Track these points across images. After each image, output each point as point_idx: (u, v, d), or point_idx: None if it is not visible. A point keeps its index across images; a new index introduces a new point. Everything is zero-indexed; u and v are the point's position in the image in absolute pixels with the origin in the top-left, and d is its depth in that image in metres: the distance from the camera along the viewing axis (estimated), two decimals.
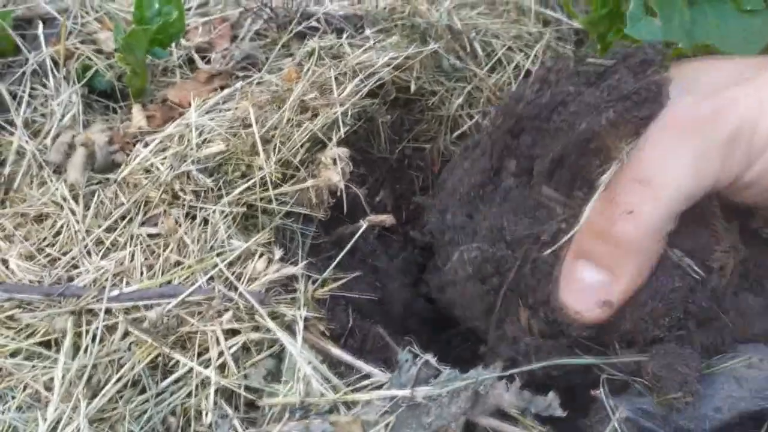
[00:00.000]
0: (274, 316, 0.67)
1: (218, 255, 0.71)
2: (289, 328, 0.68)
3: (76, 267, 0.73)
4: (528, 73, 0.96)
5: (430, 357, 0.63)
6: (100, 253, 0.74)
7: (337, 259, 0.71)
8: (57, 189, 0.80)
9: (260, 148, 0.75)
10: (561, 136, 0.63)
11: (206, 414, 0.63)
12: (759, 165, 0.57)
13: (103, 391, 0.64)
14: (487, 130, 0.71)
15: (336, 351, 0.68)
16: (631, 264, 0.59)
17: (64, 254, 0.74)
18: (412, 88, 0.89)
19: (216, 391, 0.63)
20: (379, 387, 0.63)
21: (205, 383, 0.64)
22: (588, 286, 0.61)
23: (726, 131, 0.56)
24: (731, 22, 0.70)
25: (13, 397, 0.65)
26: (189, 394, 0.64)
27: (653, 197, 0.57)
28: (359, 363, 0.67)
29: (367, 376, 0.66)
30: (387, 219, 0.78)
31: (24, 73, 0.90)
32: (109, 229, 0.76)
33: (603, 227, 0.59)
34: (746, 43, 0.69)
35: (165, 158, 0.78)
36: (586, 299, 0.61)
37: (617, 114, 0.58)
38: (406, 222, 0.98)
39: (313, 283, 0.70)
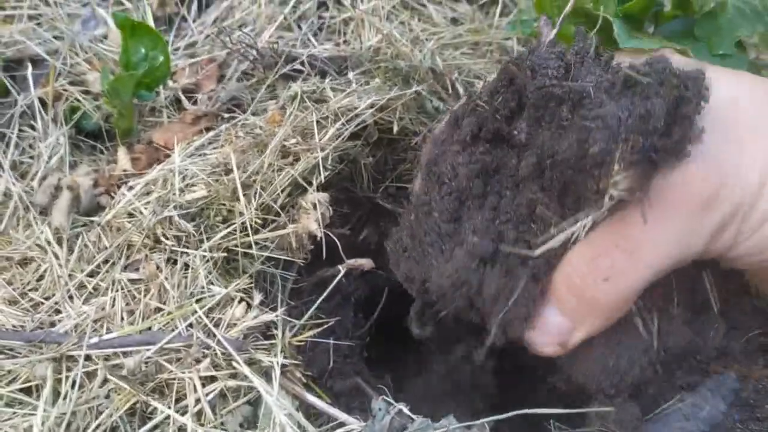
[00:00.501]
0: (251, 362, 0.68)
1: (198, 301, 0.72)
2: (267, 375, 0.69)
3: (58, 312, 0.74)
4: None
5: (403, 406, 0.64)
6: (83, 298, 0.75)
7: (314, 305, 0.73)
8: (42, 232, 0.81)
9: (241, 194, 0.77)
10: (564, 141, 0.56)
11: None
12: (752, 241, 0.57)
13: None
14: (475, 103, 0.63)
15: (311, 398, 0.69)
16: (595, 321, 0.60)
17: (47, 299, 0.76)
18: (395, 129, 0.90)
19: None
20: None
21: (182, 430, 0.65)
22: (551, 328, 0.62)
23: (721, 214, 0.55)
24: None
25: None
26: None
27: (633, 269, 0.57)
28: (334, 411, 0.68)
29: (342, 423, 0.67)
30: (366, 263, 0.79)
31: (13, 115, 0.92)
32: (92, 274, 0.77)
33: (578, 286, 0.60)
34: None
35: (148, 202, 0.80)
36: (546, 337, 0.63)
37: (637, 155, 0.52)
38: (390, 259, 0.99)
39: (291, 329, 0.71)
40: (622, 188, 0.53)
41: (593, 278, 0.58)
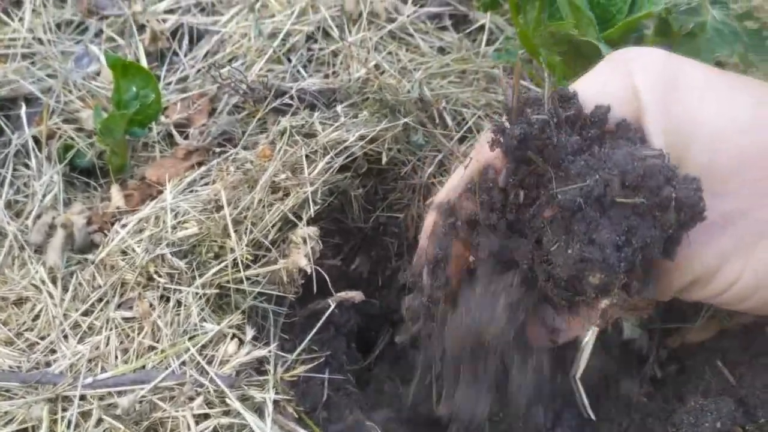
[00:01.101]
0: (244, 398, 0.69)
1: (190, 339, 0.73)
2: (260, 410, 0.69)
3: (53, 351, 0.75)
4: None
5: None
6: (77, 337, 0.76)
7: (306, 339, 0.74)
8: (36, 272, 0.82)
9: (231, 230, 0.78)
10: (559, 257, 0.55)
11: None
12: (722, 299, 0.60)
13: None
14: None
15: None
16: None
17: (42, 338, 0.77)
18: (384, 159, 0.91)
19: None
20: None
21: None
22: None
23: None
24: None
25: None
26: None
27: None
28: None
29: None
30: (356, 296, 0.80)
31: (7, 154, 0.93)
32: (86, 313, 0.78)
33: None
34: None
35: (141, 240, 0.81)
36: None
37: (636, 284, 0.55)
38: (382, 287, 1.00)
39: (283, 364, 0.72)
40: (618, 300, 0.55)
41: None
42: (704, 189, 0.52)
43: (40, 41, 1.07)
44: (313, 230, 0.79)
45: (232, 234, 0.78)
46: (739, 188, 0.57)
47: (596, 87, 0.59)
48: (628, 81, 0.58)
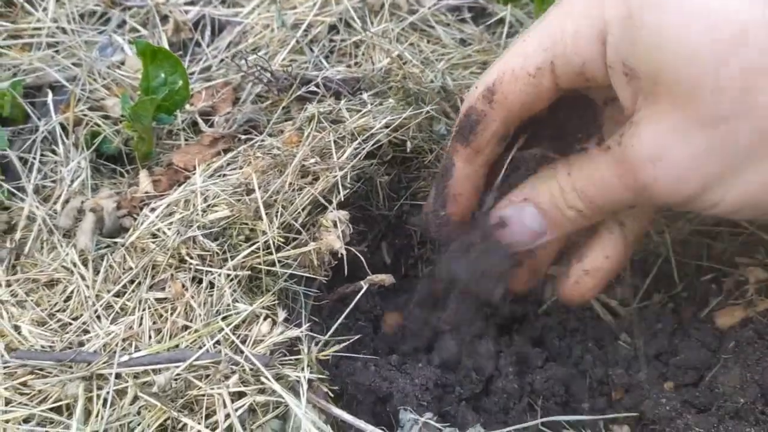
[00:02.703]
0: (278, 377, 0.70)
1: (224, 319, 0.73)
2: (293, 389, 0.70)
3: (86, 332, 0.76)
4: None
5: (429, 417, 0.65)
6: (110, 318, 0.76)
7: (338, 322, 0.74)
8: (67, 254, 0.82)
9: (263, 213, 0.78)
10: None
11: None
12: (707, 213, 0.61)
13: None
14: None
15: (338, 411, 0.70)
16: None
17: (75, 319, 0.77)
18: (408, 147, 0.92)
19: None
20: None
21: None
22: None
23: None
24: None
25: None
26: None
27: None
28: (360, 423, 0.69)
29: None
30: (386, 279, 0.80)
31: (34, 140, 0.94)
32: (118, 294, 0.79)
33: None
34: None
35: (171, 223, 0.81)
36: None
37: None
38: (405, 276, 1.00)
39: (317, 344, 0.73)
40: None
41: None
42: (689, 117, 0.56)
43: (64, 31, 1.08)
44: (343, 214, 0.80)
45: (264, 216, 0.78)
46: (721, 103, 0.54)
47: (568, 28, 0.61)
48: (594, 4, 0.59)
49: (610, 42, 0.59)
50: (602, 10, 0.58)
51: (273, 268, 0.77)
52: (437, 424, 0.64)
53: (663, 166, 0.58)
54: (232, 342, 0.72)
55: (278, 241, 0.78)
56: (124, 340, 0.74)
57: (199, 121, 0.99)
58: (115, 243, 0.84)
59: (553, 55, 0.63)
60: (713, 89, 0.53)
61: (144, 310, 0.76)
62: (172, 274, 0.78)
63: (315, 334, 0.75)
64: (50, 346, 0.75)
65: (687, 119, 0.56)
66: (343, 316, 0.75)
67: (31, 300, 0.79)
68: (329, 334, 0.74)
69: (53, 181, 0.91)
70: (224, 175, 0.86)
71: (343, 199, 0.82)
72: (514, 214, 0.72)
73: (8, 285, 0.82)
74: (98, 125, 0.96)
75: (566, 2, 0.63)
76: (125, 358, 0.71)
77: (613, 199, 0.64)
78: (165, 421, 0.68)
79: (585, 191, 0.66)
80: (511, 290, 0.81)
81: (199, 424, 0.67)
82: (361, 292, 0.78)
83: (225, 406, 0.68)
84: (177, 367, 0.70)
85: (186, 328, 0.74)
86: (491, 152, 0.73)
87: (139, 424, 0.68)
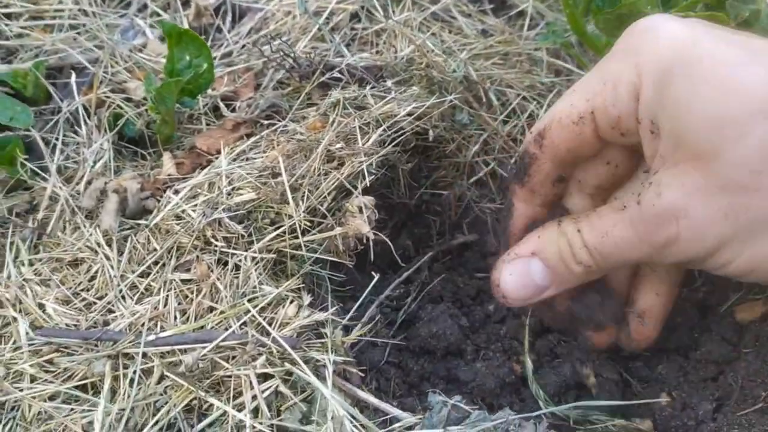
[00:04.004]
0: (305, 360, 0.70)
1: (250, 301, 0.73)
2: (319, 372, 0.70)
3: (111, 311, 0.76)
4: None
5: (458, 399, 0.65)
6: (135, 298, 0.76)
7: (355, 306, 0.74)
8: (91, 234, 0.82)
9: (290, 196, 0.78)
10: None
11: None
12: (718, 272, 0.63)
13: None
14: None
15: (363, 395, 0.70)
16: None
17: (100, 299, 0.77)
18: (431, 136, 0.92)
19: None
20: (410, 428, 0.65)
21: (239, 426, 0.67)
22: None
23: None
24: None
25: None
26: None
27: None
28: (386, 406, 0.69)
29: (396, 418, 0.68)
30: None
31: (57, 121, 0.94)
32: (143, 275, 0.78)
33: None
34: None
35: (196, 205, 0.81)
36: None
37: None
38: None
39: (341, 329, 0.73)
40: None
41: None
42: (710, 180, 0.58)
43: (86, 13, 1.08)
44: (369, 199, 0.80)
45: (290, 200, 0.78)
46: (741, 172, 0.57)
47: (609, 81, 0.65)
48: (633, 63, 0.62)
49: (642, 100, 0.62)
50: (640, 69, 0.62)
51: (298, 252, 0.77)
52: (466, 407, 0.64)
53: (685, 225, 0.60)
54: (259, 324, 0.72)
55: (304, 224, 0.78)
56: (149, 320, 0.74)
57: (221, 105, 0.99)
58: (138, 224, 0.84)
59: (594, 107, 0.66)
60: (734, 159, 0.56)
61: (169, 290, 0.76)
62: (197, 256, 0.77)
63: (341, 319, 0.75)
64: (75, 325, 0.75)
65: (708, 182, 0.58)
66: (359, 302, 0.76)
67: (56, 279, 0.79)
68: (353, 318, 0.75)
69: (75, 162, 0.91)
70: (248, 159, 0.86)
71: (368, 185, 0.82)
72: (521, 268, 0.73)
73: (31, 264, 0.82)
74: (120, 107, 0.95)
75: (613, 56, 0.66)
76: (152, 337, 0.71)
77: (629, 256, 0.66)
78: (191, 401, 0.68)
79: (598, 248, 0.67)
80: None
81: (226, 404, 0.67)
82: (374, 281, 0.78)
83: (252, 387, 0.68)
84: (204, 347, 0.70)
85: (212, 309, 0.74)
86: (547, 193, 0.76)
87: (165, 404, 0.68)
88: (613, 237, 0.65)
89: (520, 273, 0.73)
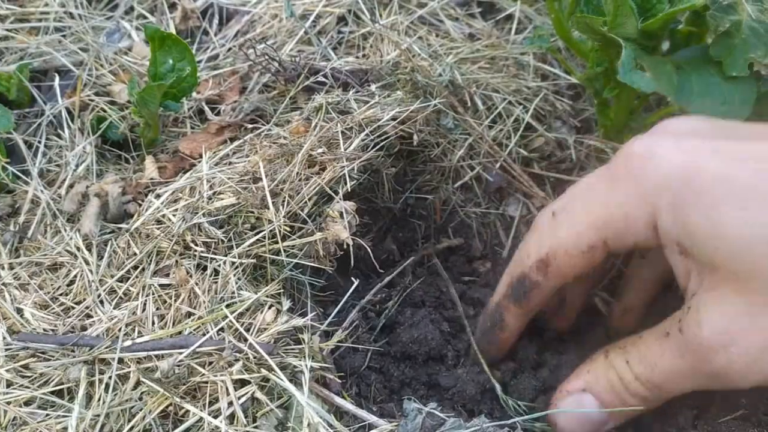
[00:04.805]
0: (282, 366, 0.69)
1: (228, 306, 0.73)
2: (297, 378, 0.70)
3: (89, 316, 0.76)
4: (528, 126, 1.00)
5: (433, 406, 0.65)
6: (113, 303, 0.76)
7: (333, 313, 0.74)
8: (71, 238, 0.82)
9: (270, 201, 0.78)
10: None
11: None
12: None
13: None
14: None
15: (340, 401, 0.70)
16: None
17: (78, 303, 0.77)
18: (415, 140, 0.92)
19: None
20: None
21: None
22: None
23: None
24: (714, 90, 0.72)
25: None
26: None
27: None
28: (362, 412, 0.69)
29: (372, 425, 0.68)
30: None
31: (40, 124, 0.93)
32: (122, 279, 0.78)
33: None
34: (725, 115, 0.71)
35: (176, 210, 0.81)
36: None
37: None
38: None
39: (319, 335, 0.72)
40: None
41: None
42: (753, 302, 0.57)
43: (72, 15, 1.08)
44: (350, 204, 0.79)
45: (270, 205, 0.78)
46: None
47: (618, 212, 0.63)
48: (640, 194, 0.61)
49: (662, 226, 0.61)
50: (650, 201, 0.61)
51: (278, 257, 0.77)
52: (441, 414, 0.64)
53: (736, 352, 0.58)
54: (236, 330, 0.71)
55: (284, 230, 0.78)
56: (127, 325, 0.73)
57: (206, 109, 0.99)
58: (120, 228, 0.84)
59: (605, 236, 0.65)
60: None
61: (148, 295, 0.76)
62: (176, 261, 0.77)
63: (319, 325, 0.74)
64: (52, 330, 0.75)
65: (752, 304, 0.57)
66: (337, 308, 0.75)
67: (34, 283, 0.78)
68: (328, 324, 0.74)
69: (58, 166, 0.91)
70: (230, 163, 0.86)
71: (349, 190, 0.81)
72: (574, 406, 0.71)
73: (11, 268, 0.81)
74: (104, 111, 0.95)
75: (614, 183, 0.64)
76: (128, 343, 0.71)
77: (684, 386, 0.64)
78: (167, 407, 0.68)
79: (651, 380, 0.65)
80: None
81: (202, 411, 0.67)
82: (354, 286, 0.78)
83: (228, 393, 0.68)
84: (180, 353, 0.70)
85: (190, 314, 0.74)
86: (542, 305, 0.76)
87: (141, 410, 0.68)
88: (663, 368, 0.63)
89: (574, 411, 0.71)
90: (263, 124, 0.94)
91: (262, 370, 0.69)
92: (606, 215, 0.64)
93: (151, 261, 0.78)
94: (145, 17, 1.10)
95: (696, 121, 0.65)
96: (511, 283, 0.74)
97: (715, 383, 0.61)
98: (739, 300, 0.57)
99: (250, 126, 0.95)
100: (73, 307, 0.76)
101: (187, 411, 0.68)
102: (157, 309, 0.75)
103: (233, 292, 0.74)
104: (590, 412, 0.69)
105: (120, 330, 0.73)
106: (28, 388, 0.70)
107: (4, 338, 0.73)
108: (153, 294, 0.76)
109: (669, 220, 0.60)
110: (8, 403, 0.69)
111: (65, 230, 0.83)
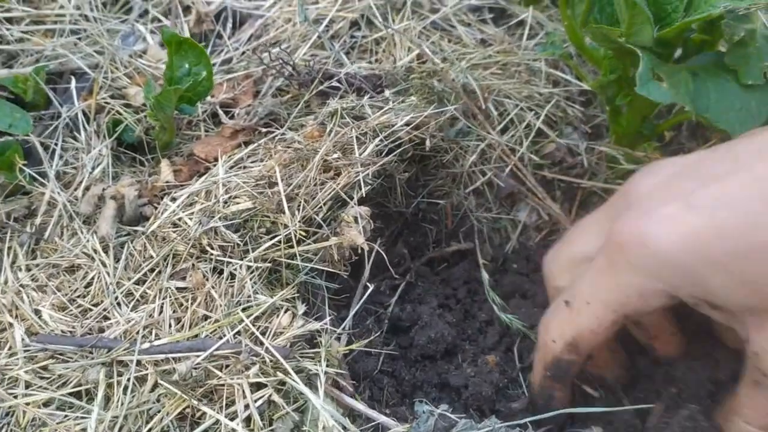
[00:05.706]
0: (298, 370, 0.70)
1: (244, 310, 0.74)
2: (312, 382, 0.70)
3: (107, 318, 0.76)
4: (539, 131, 1.00)
5: (445, 408, 0.66)
6: (130, 305, 0.77)
7: (349, 316, 0.75)
8: (88, 240, 0.83)
9: (285, 206, 0.79)
10: None
11: None
12: None
13: None
14: None
15: (355, 404, 0.71)
16: None
17: (96, 305, 0.78)
18: (428, 145, 0.92)
19: None
20: None
21: None
22: None
23: None
24: (730, 97, 0.73)
25: None
26: None
27: None
28: (375, 414, 0.70)
29: (386, 427, 0.69)
30: None
31: (56, 126, 0.94)
32: (139, 282, 0.79)
33: None
34: (743, 121, 0.72)
35: (193, 213, 0.82)
36: None
37: None
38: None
39: (335, 339, 0.73)
40: None
41: None
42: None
43: (87, 18, 1.09)
44: (364, 209, 0.80)
45: (286, 210, 0.79)
46: None
47: (631, 291, 0.64)
48: (648, 274, 0.62)
49: (683, 295, 0.62)
50: (657, 279, 0.62)
51: (293, 262, 0.78)
52: (452, 415, 0.64)
53: None
54: (252, 333, 0.72)
55: (299, 234, 0.78)
56: (144, 327, 0.74)
57: (220, 112, 0.99)
58: (136, 231, 0.85)
59: (624, 314, 0.66)
60: None
61: (164, 298, 0.76)
62: (192, 264, 0.78)
63: (335, 329, 0.75)
64: (70, 332, 0.75)
65: None
66: (352, 313, 0.76)
67: (52, 285, 0.79)
68: (343, 327, 0.75)
69: (74, 168, 0.92)
70: (246, 167, 0.87)
71: (364, 195, 0.82)
72: None
73: (28, 269, 0.82)
74: (120, 113, 0.96)
75: (615, 268, 0.65)
76: (146, 345, 0.72)
77: None
78: (184, 409, 0.69)
79: None
80: None
81: (219, 413, 0.68)
82: (368, 292, 0.78)
83: (244, 396, 0.68)
84: (197, 356, 0.70)
85: (206, 318, 0.74)
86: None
87: (158, 412, 0.68)
88: None
89: None
90: (277, 128, 0.95)
91: (279, 373, 0.70)
92: (621, 298, 0.65)
93: (167, 264, 0.79)
94: (159, 20, 1.11)
95: (660, 174, 0.67)
96: (546, 367, 0.74)
97: None
98: None
99: (264, 130, 0.95)
100: (91, 309, 0.77)
101: (204, 413, 0.68)
102: (174, 312, 0.75)
103: (249, 296, 0.75)
104: None
105: (137, 332, 0.73)
106: (47, 389, 0.71)
107: (23, 340, 0.74)
108: (170, 297, 0.76)
109: (688, 289, 0.61)
110: (27, 404, 0.69)
111: (82, 232, 0.84)
